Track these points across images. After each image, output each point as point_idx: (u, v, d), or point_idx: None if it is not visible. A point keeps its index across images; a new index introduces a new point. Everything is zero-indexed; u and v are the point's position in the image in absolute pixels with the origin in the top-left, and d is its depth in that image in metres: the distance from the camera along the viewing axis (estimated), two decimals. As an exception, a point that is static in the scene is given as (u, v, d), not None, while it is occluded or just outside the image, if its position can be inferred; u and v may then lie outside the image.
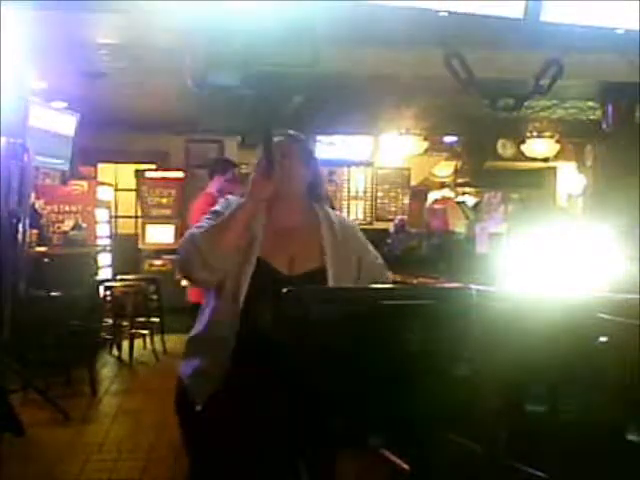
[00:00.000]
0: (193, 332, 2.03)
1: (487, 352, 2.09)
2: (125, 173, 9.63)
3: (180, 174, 8.94)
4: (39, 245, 5.71)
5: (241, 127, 8.37)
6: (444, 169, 10.59)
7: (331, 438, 1.58)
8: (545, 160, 9.56)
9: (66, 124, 6.90)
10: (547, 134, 8.92)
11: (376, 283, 2.09)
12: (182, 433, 2.05)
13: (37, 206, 6.32)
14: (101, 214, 7.68)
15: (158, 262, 8.55)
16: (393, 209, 10.12)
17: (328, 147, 9.49)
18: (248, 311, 1.88)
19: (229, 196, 2.11)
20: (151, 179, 9.00)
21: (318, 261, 1.98)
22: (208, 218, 2.00)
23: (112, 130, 8.14)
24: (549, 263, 2.82)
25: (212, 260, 1.87)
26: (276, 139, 2.02)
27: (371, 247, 2.17)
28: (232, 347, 1.88)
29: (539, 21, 4.35)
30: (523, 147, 9.22)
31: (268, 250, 1.95)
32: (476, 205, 6.13)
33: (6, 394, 4.13)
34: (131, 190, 9.47)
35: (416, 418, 1.61)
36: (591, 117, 7.63)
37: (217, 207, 2.06)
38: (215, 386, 1.89)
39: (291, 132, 2.14)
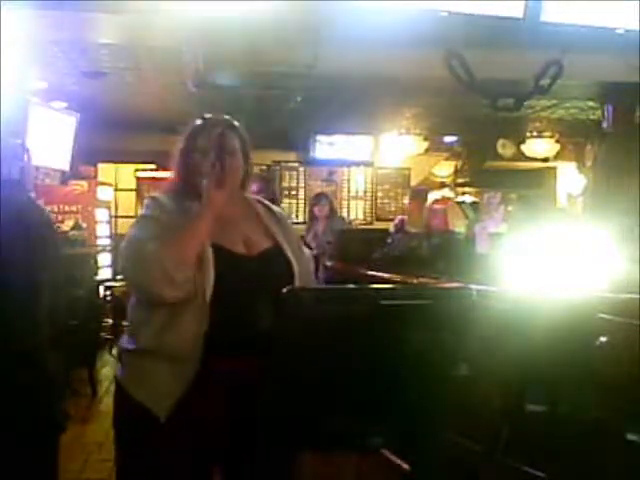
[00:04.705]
0: (142, 344, 1.79)
1: (487, 352, 2.09)
2: (125, 173, 9.63)
3: (180, 174, 8.94)
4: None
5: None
6: (444, 169, 10.58)
7: (329, 439, 1.58)
8: (545, 160, 9.55)
9: (66, 124, 6.91)
10: (547, 134, 8.92)
11: (309, 276, 2.04)
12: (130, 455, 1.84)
13: (37, 206, 6.30)
14: (101, 214, 7.67)
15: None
16: (393, 209, 10.10)
17: (328, 147, 9.48)
18: (218, 301, 1.73)
19: (155, 195, 1.95)
20: (151, 179, 9.00)
21: (270, 240, 1.91)
22: (144, 224, 1.82)
23: (112, 130, 8.13)
24: (549, 263, 2.82)
25: (180, 277, 1.69)
26: (218, 129, 1.91)
27: None
28: (201, 351, 1.73)
29: (539, 21, 4.36)
30: (523, 147, 9.21)
31: (219, 236, 1.80)
32: (476, 205, 6.13)
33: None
34: (131, 190, 9.47)
35: (416, 418, 1.61)
36: (591, 117, 7.62)
37: (146, 211, 1.87)
38: (182, 392, 1.74)
39: (227, 117, 2.02)
